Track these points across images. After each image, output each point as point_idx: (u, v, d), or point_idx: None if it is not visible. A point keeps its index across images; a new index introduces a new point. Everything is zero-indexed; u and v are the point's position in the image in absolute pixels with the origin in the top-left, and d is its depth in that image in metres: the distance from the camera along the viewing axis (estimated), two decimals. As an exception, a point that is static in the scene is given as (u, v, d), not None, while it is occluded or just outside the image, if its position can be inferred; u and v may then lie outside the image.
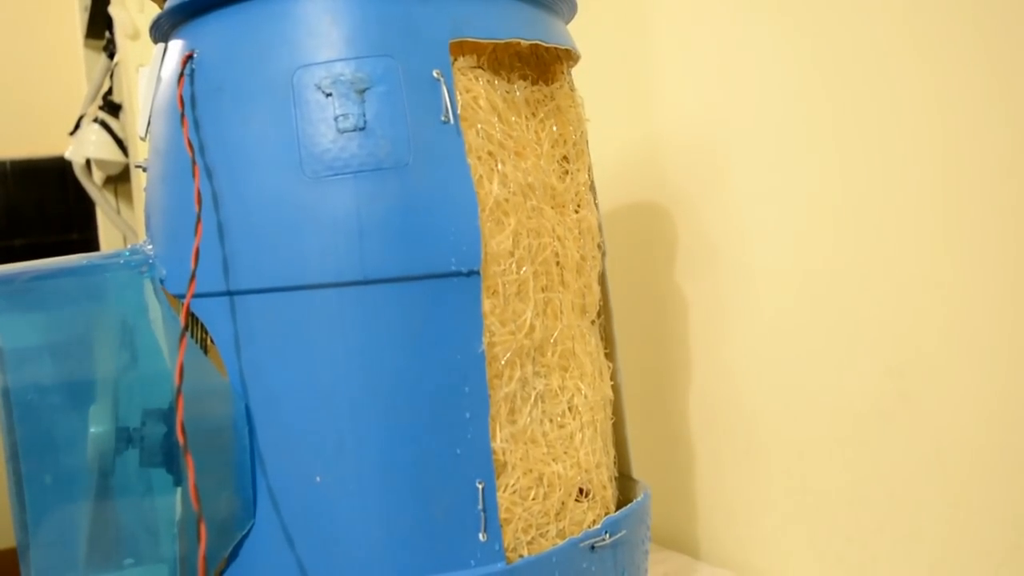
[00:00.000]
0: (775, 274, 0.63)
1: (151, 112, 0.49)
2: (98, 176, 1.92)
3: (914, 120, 0.53)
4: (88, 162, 1.85)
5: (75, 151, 1.80)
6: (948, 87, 0.51)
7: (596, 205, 0.55)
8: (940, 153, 0.52)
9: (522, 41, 0.45)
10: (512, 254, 0.44)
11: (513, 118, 0.46)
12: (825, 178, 0.59)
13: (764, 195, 0.64)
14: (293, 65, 0.42)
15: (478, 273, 0.42)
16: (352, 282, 0.41)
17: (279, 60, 0.42)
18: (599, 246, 0.55)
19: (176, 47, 0.46)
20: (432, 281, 0.42)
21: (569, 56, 0.53)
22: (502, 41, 0.44)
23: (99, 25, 1.84)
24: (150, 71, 0.49)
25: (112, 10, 1.64)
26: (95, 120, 1.78)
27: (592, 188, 0.54)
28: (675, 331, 0.72)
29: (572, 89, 0.52)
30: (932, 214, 0.53)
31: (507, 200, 0.44)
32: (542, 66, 0.54)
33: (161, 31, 0.49)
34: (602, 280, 0.55)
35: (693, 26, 0.69)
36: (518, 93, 0.48)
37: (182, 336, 0.39)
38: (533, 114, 0.49)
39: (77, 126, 1.83)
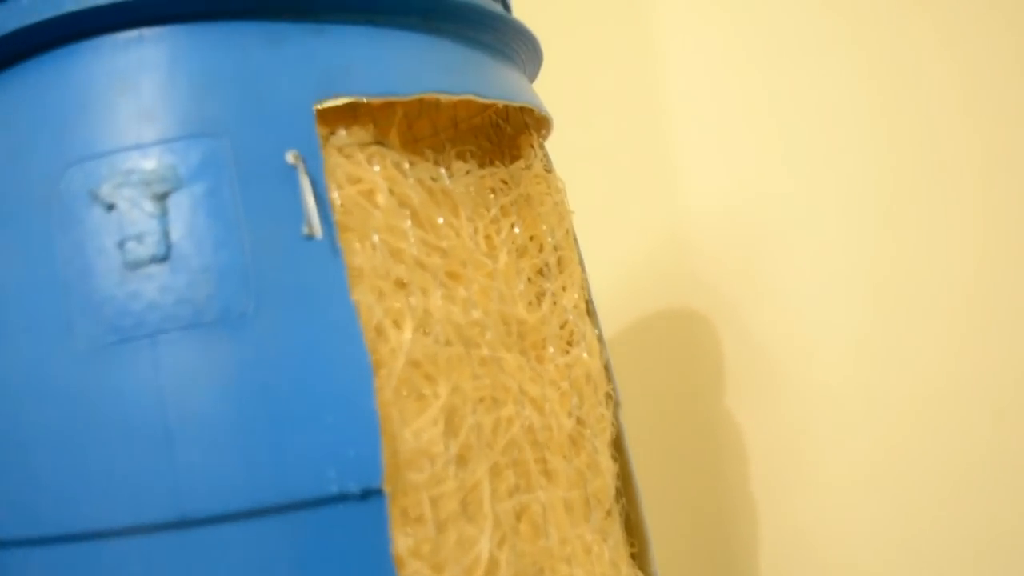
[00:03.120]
0: (849, 396, 0.51)
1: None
2: None
3: (990, 187, 0.43)
4: None
5: None
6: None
7: (599, 336, 0.37)
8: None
9: (440, 97, 0.28)
10: (447, 447, 0.26)
11: (441, 219, 0.29)
12: (898, 263, 0.48)
13: (821, 290, 0.52)
14: (60, 162, 0.25)
15: (381, 493, 0.24)
16: (161, 525, 0.24)
17: (39, 156, 0.26)
18: (609, 396, 0.37)
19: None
20: (297, 514, 0.24)
21: (538, 122, 0.36)
22: (405, 99, 0.27)
23: None
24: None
25: None
26: None
27: (590, 312, 0.37)
28: (730, 470, 0.58)
29: (548, 170, 0.35)
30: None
31: (433, 356, 0.27)
32: (502, 139, 0.37)
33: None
34: (618, 444, 0.37)
35: (715, 84, 0.57)
36: (449, 180, 0.30)
37: None
38: (482, 211, 0.32)
39: None
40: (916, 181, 0.48)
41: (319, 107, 0.26)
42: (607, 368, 0.38)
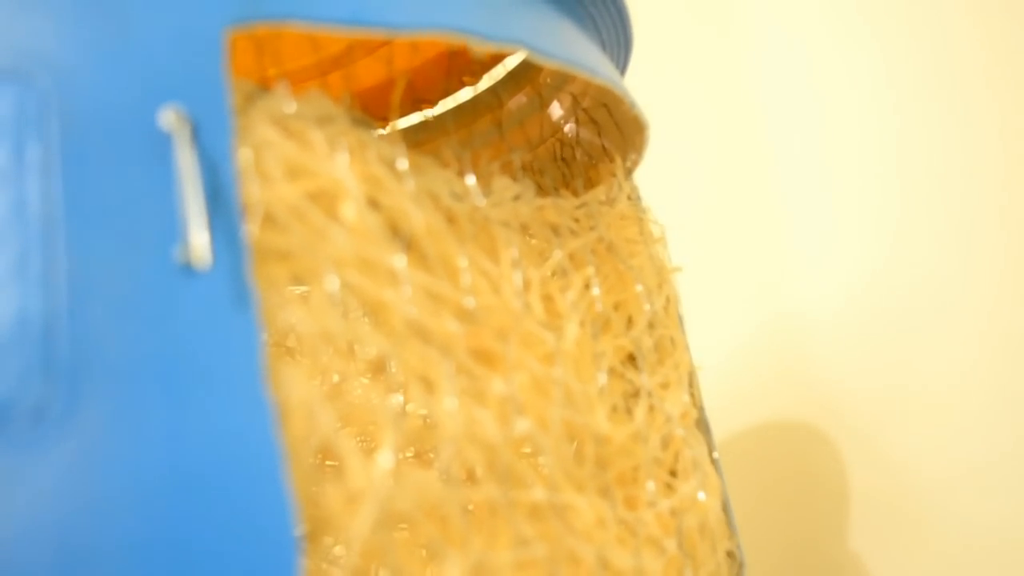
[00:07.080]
0: (1013, 542, 0.37)
1: None
2: None
3: None
4: None
5: None
6: None
7: (715, 461, 0.24)
8: None
9: (464, 43, 0.16)
10: None
11: (465, 260, 0.17)
12: None
13: (978, 405, 0.39)
14: None
15: None
16: None
17: None
18: (731, 556, 0.24)
19: None
20: None
21: (626, 138, 0.24)
22: (401, 36, 0.15)
23: None
24: None
25: None
26: None
27: (702, 425, 0.24)
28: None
29: (634, 198, 0.23)
30: None
31: (439, 506, 0.14)
32: (570, 174, 0.25)
33: None
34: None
35: (837, 121, 0.43)
36: (484, 202, 0.18)
37: None
38: (538, 256, 0.20)
39: None
40: None
41: (234, 32, 0.14)
42: (726, 511, 0.25)
